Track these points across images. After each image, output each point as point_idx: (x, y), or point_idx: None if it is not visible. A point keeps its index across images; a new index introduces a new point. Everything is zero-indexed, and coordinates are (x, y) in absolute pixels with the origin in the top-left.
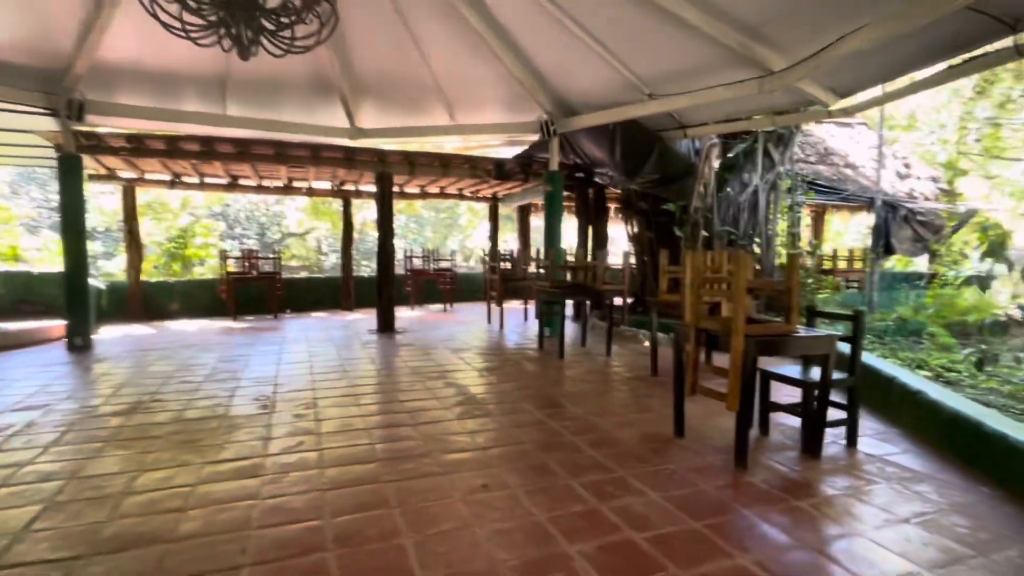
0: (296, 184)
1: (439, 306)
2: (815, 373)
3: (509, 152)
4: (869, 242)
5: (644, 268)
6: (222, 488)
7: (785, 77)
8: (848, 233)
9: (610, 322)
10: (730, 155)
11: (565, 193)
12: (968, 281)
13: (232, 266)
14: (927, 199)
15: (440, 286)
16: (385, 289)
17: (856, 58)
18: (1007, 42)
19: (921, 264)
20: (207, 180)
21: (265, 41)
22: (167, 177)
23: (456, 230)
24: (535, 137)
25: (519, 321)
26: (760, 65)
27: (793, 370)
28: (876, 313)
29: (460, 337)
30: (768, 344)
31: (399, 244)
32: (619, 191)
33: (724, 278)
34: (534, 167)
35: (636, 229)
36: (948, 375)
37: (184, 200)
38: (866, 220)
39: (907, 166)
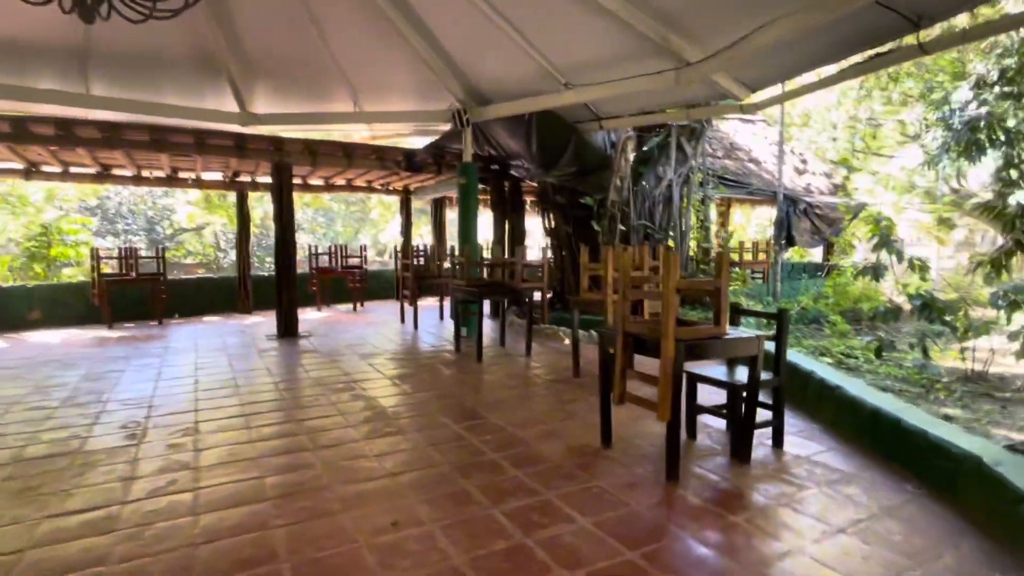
0: (182, 175)
1: (348, 306)
2: (741, 374)
3: (420, 142)
4: (769, 234)
5: (563, 263)
6: (62, 552)
7: (701, 68)
8: (749, 225)
9: (529, 321)
10: (645, 148)
11: (480, 186)
12: (864, 272)
13: (107, 266)
14: (823, 193)
15: (349, 284)
16: (285, 290)
17: (769, 52)
18: (910, 39)
19: (816, 255)
20: (73, 170)
21: (117, 3)
22: (19, 165)
23: (368, 224)
24: (447, 127)
25: (434, 320)
26: (677, 56)
27: (718, 371)
28: (780, 302)
29: (371, 340)
30: (698, 348)
31: (306, 240)
32: (535, 184)
33: (648, 277)
34: (447, 159)
35: (553, 223)
36: (848, 361)
37: (49, 192)
38: (766, 213)
39: (804, 162)
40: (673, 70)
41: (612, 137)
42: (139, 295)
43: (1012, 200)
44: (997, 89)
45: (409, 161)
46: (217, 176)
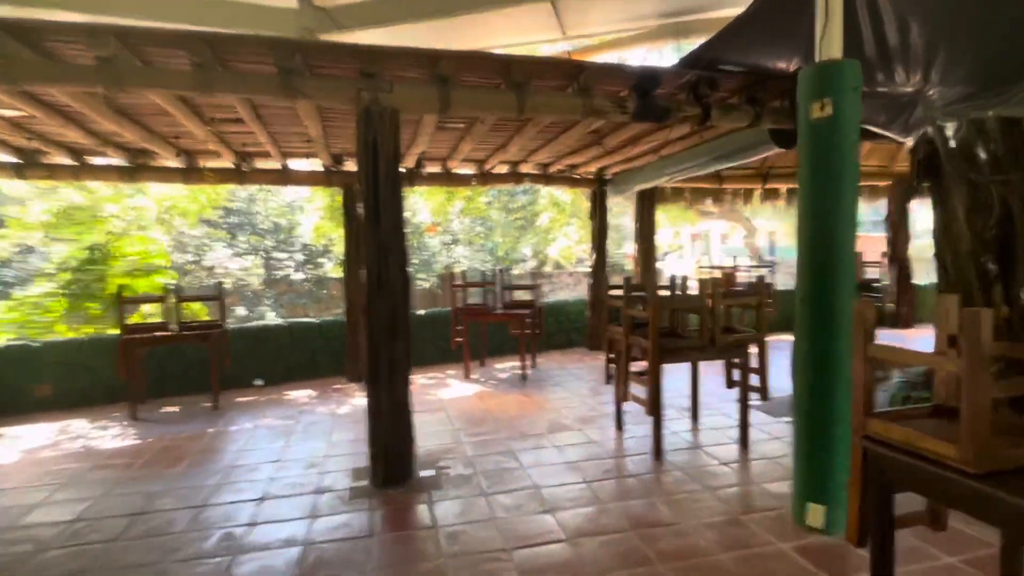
0: (260, 164)
1: (513, 365)
2: None
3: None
4: None
5: (986, 298)
6: None
7: None
8: None
9: None
10: None
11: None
12: None
13: (140, 316)
14: None
15: (513, 332)
16: (388, 376)
17: None
18: None
19: None
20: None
21: None
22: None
23: (530, 233)
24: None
25: (680, 414)
26: None
27: None
28: None
29: (558, 511)
30: None
31: (462, 253)
32: (903, 141)
33: None
34: (719, 94)
35: (969, 213)
36: None
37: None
38: None
39: None
40: None
41: None
42: (197, 357)
43: None
44: None
45: (644, 95)
46: (309, 164)
